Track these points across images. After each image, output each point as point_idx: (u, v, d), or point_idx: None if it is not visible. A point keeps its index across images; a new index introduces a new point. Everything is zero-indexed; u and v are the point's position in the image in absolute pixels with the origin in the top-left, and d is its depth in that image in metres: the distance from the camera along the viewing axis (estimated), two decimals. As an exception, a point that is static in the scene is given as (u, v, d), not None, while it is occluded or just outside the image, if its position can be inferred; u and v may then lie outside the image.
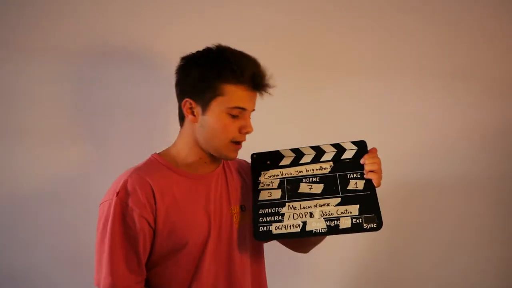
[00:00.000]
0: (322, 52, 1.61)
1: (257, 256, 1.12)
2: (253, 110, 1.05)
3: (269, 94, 1.05)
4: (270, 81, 1.03)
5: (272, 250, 1.18)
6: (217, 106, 0.99)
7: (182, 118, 1.07)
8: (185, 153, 1.06)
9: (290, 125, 1.57)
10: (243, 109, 1.01)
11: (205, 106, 1.00)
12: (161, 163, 1.04)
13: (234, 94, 0.99)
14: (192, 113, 1.02)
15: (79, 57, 1.43)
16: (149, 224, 0.95)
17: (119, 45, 1.45)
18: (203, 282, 0.99)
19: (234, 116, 1.00)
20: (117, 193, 0.95)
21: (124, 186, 0.96)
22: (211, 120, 1.00)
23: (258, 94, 1.04)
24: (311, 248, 1.21)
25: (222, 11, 1.53)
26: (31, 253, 1.41)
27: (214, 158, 1.08)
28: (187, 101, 1.02)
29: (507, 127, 1.66)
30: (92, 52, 1.44)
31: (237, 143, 1.04)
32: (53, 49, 1.42)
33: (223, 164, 1.13)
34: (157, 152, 1.07)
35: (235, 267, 1.04)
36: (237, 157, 1.07)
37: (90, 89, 1.45)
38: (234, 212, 1.06)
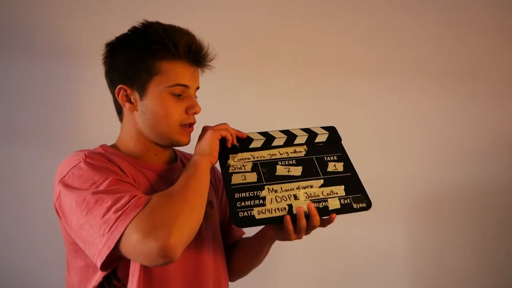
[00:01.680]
0: (322, 52, 1.62)
1: (221, 256, 0.99)
2: (198, 87, 0.94)
3: (210, 68, 0.95)
4: (210, 54, 0.92)
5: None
6: (155, 88, 0.87)
7: (119, 110, 0.94)
8: (131, 146, 0.92)
9: (292, 123, 1.50)
10: (185, 86, 0.89)
11: (142, 90, 0.88)
12: (114, 152, 0.92)
13: (171, 70, 0.87)
14: (129, 100, 0.90)
15: (79, 57, 1.45)
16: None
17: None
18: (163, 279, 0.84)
19: (178, 96, 0.88)
20: (84, 154, 0.83)
21: (84, 152, 0.85)
22: (152, 104, 0.88)
23: (200, 70, 0.94)
24: (250, 271, 1.09)
25: (222, 11, 1.53)
26: (32, 253, 1.42)
27: (165, 149, 0.94)
28: (121, 88, 0.89)
29: (507, 127, 1.73)
30: (92, 52, 1.36)
31: (188, 126, 0.91)
32: (53, 49, 1.44)
33: (180, 159, 1.01)
34: (108, 145, 0.95)
35: (201, 267, 0.91)
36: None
37: (90, 89, 1.45)
38: None
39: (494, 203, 1.72)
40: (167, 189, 0.79)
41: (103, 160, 0.83)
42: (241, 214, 0.84)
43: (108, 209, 0.73)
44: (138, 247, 0.70)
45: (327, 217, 0.86)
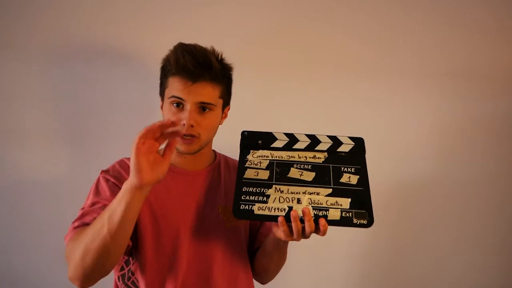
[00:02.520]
0: (323, 52, 1.61)
1: (240, 256, 1.08)
2: (200, 102, 0.98)
3: (216, 81, 1.00)
4: (205, 67, 0.97)
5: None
6: (165, 99, 1.01)
7: None
8: None
9: (293, 123, 1.56)
10: (179, 98, 0.97)
11: (162, 101, 1.05)
12: None
13: (172, 85, 0.99)
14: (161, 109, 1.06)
15: (79, 57, 1.45)
16: None
17: (117, 45, 1.48)
18: (178, 278, 0.98)
19: (177, 107, 0.99)
20: (102, 171, 1.05)
21: (109, 167, 1.06)
22: (163, 112, 1.03)
23: (209, 84, 0.99)
24: (275, 275, 1.15)
25: (224, 11, 1.53)
26: (31, 253, 1.43)
27: (195, 154, 1.04)
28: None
29: (507, 127, 1.66)
30: (92, 52, 1.46)
31: (182, 136, 0.98)
32: (52, 49, 1.44)
33: (219, 162, 1.12)
34: None
35: (214, 267, 1.03)
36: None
37: (90, 89, 1.47)
38: (222, 211, 1.05)
39: (495, 202, 1.65)
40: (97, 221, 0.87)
41: (111, 178, 1.02)
42: (242, 206, 0.91)
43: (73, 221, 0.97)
44: None
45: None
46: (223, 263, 1.03)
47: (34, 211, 1.45)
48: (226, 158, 1.17)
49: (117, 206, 0.82)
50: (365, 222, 0.90)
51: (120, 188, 0.85)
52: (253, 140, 1.03)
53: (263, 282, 1.16)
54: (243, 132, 1.04)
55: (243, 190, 0.94)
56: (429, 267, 1.65)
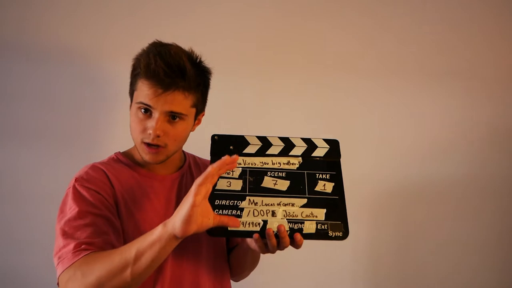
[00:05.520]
0: (323, 51, 1.60)
1: (223, 264, 1.06)
2: (169, 111, 0.90)
3: (190, 90, 0.91)
4: (183, 78, 0.89)
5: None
6: (133, 102, 0.94)
7: None
8: (137, 155, 1.00)
9: (293, 123, 1.55)
10: (147, 105, 0.89)
11: (130, 102, 0.96)
12: (122, 160, 1.00)
13: (141, 89, 0.90)
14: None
15: (78, 57, 1.45)
16: (107, 200, 0.91)
17: (117, 45, 1.46)
18: (166, 281, 0.93)
19: (145, 113, 0.91)
20: (76, 179, 0.92)
21: (81, 174, 0.93)
22: (131, 116, 0.95)
23: (181, 93, 0.90)
24: (248, 273, 1.13)
25: (220, 10, 1.52)
26: (31, 253, 1.42)
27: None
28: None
29: (507, 127, 1.69)
30: (91, 52, 1.46)
31: (148, 145, 0.92)
32: (52, 49, 1.44)
33: (189, 164, 1.06)
34: (121, 151, 1.03)
35: (200, 271, 0.99)
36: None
37: (90, 90, 1.46)
38: None
39: (494, 201, 1.68)
40: (112, 249, 0.82)
41: (90, 185, 0.90)
42: None
43: (58, 249, 0.84)
44: None
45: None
46: (208, 268, 1.01)
47: (34, 211, 1.43)
48: (194, 158, 1.12)
49: (148, 250, 0.77)
50: (340, 234, 0.89)
51: (103, 198, 0.87)
52: (224, 146, 0.97)
53: (236, 281, 1.16)
54: (213, 136, 0.98)
55: (216, 203, 0.90)
56: (426, 266, 1.67)
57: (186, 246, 0.95)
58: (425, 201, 1.65)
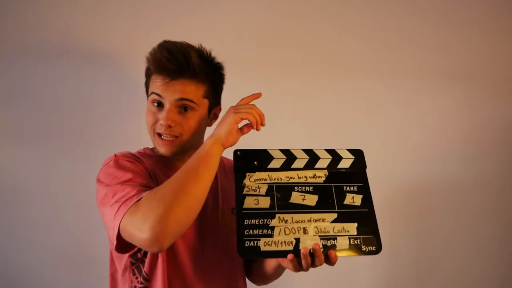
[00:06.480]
0: (323, 51, 1.58)
1: (241, 263, 1.05)
2: (179, 98, 0.92)
3: (195, 78, 0.93)
4: (188, 65, 0.91)
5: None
6: (148, 99, 0.98)
7: None
8: None
9: (290, 124, 1.54)
10: (158, 95, 0.93)
11: (147, 99, 0.99)
12: (150, 154, 1.01)
13: (152, 82, 0.95)
14: None
15: (78, 58, 1.43)
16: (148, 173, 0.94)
17: (117, 46, 1.45)
18: (179, 276, 0.93)
19: (158, 106, 0.94)
20: (115, 155, 0.94)
21: (122, 152, 0.96)
22: (146, 111, 0.98)
23: (190, 82, 0.92)
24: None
25: (220, 10, 1.50)
26: (31, 253, 1.41)
27: (186, 154, 0.97)
28: None
29: (506, 127, 1.70)
30: (91, 53, 1.44)
31: (161, 137, 0.94)
32: (51, 49, 1.42)
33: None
34: (149, 147, 1.05)
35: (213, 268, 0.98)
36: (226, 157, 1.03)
37: (90, 89, 1.44)
38: (220, 214, 1.01)
39: (494, 202, 1.70)
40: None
41: (130, 160, 0.93)
42: (247, 243, 0.85)
43: (115, 201, 0.83)
44: (131, 238, 0.79)
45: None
46: (223, 268, 0.99)
47: (33, 211, 1.42)
48: (220, 159, 1.07)
49: (201, 149, 0.86)
50: (373, 248, 0.87)
51: (145, 170, 0.91)
52: (248, 161, 0.94)
53: (258, 285, 1.15)
54: (235, 152, 0.95)
55: (245, 223, 0.87)
56: (426, 265, 1.68)
57: (203, 247, 0.96)
58: (425, 201, 1.66)
